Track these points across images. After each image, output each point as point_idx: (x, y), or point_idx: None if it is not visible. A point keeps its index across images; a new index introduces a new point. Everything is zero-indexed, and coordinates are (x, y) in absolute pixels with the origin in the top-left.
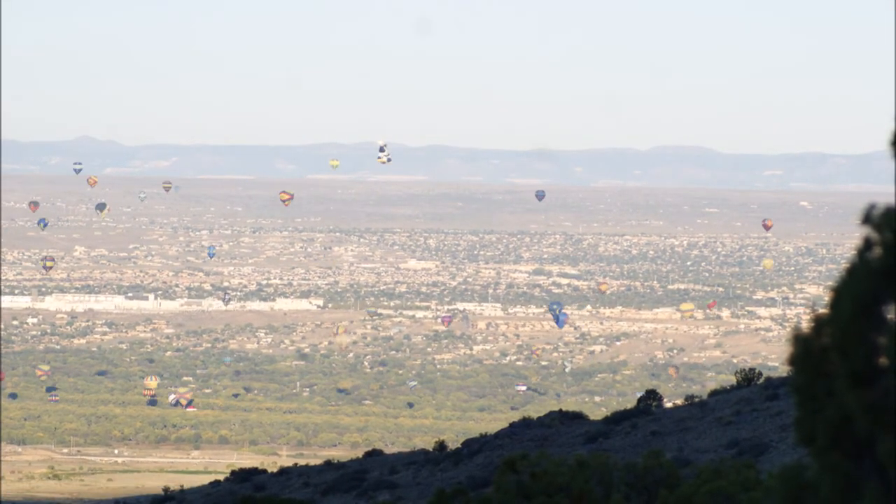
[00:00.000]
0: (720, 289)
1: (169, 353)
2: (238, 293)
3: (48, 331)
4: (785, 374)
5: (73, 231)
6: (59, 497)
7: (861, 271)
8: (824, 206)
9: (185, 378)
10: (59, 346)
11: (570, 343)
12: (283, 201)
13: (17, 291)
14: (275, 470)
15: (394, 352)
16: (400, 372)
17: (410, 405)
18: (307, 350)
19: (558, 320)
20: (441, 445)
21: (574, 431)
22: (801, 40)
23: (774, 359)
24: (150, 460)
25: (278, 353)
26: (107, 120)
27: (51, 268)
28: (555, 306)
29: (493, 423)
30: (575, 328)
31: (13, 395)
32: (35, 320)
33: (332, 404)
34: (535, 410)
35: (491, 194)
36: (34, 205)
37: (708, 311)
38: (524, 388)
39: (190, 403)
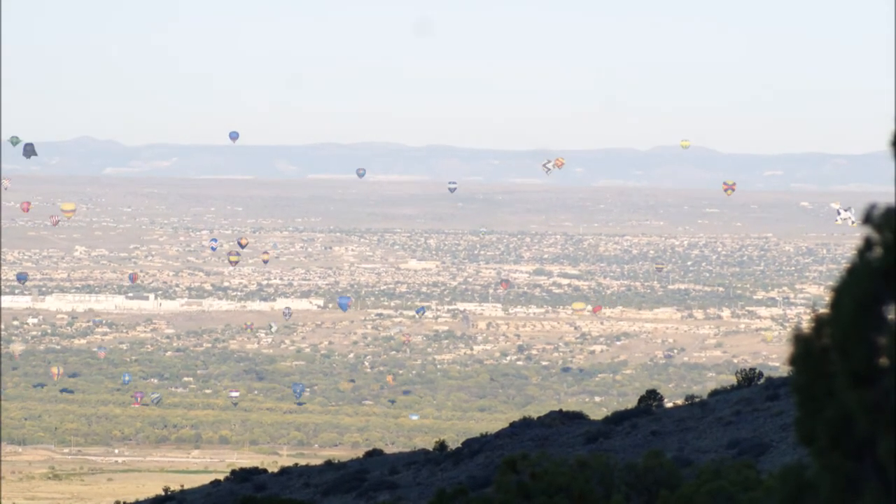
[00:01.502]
0: (720, 288)
1: (169, 354)
2: (238, 293)
3: (49, 331)
4: (785, 375)
5: (73, 231)
6: (59, 497)
7: (861, 271)
8: (825, 206)
9: (185, 378)
10: (59, 347)
11: (571, 343)
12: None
13: (17, 291)
14: (275, 470)
15: (394, 352)
16: (401, 372)
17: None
18: (308, 350)
19: (342, 305)
20: (441, 445)
21: (574, 431)
22: (801, 40)
23: (775, 359)
24: (150, 460)
25: (279, 354)
26: (107, 120)
27: (235, 262)
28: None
29: (494, 422)
30: (575, 328)
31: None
32: (35, 320)
33: (332, 404)
34: (536, 411)
35: (491, 194)
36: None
37: (594, 313)
38: (237, 394)
39: None
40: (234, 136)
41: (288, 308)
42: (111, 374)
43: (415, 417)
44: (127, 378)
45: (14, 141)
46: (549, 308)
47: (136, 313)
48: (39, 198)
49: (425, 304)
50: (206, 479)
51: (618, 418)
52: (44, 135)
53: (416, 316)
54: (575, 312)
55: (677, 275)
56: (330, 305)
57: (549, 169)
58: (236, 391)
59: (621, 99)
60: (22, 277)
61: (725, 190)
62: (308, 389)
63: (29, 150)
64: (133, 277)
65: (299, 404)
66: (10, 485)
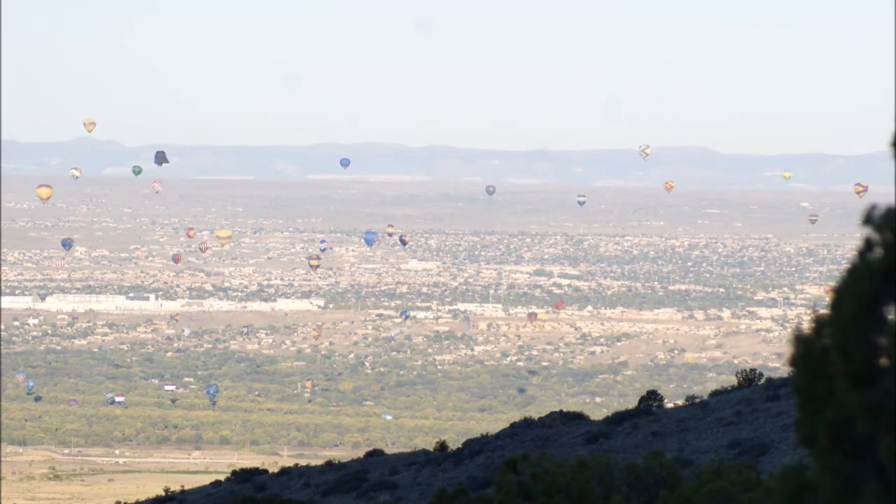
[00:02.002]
0: (721, 289)
1: (170, 354)
2: (239, 294)
3: (49, 332)
4: (786, 375)
5: (73, 231)
6: (59, 497)
7: (862, 272)
8: (825, 206)
9: (185, 379)
10: (59, 347)
11: (571, 343)
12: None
13: (17, 292)
14: (276, 470)
15: (395, 353)
16: (401, 373)
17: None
18: (308, 350)
19: (368, 241)
20: (442, 446)
21: (575, 432)
22: (801, 40)
23: (775, 359)
24: (150, 461)
25: (279, 354)
26: (107, 120)
27: (316, 266)
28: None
29: (494, 423)
30: (576, 329)
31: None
32: (36, 321)
33: (332, 405)
34: (536, 411)
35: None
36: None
37: (556, 308)
38: (172, 387)
39: None
40: (345, 162)
41: (246, 327)
42: (112, 375)
43: (388, 417)
44: (30, 384)
45: (136, 171)
46: (550, 308)
47: (137, 314)
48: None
49: (426, 304)
50: (206, 480)
51: (618, 419)
52: (44, 135)
53: (401, 319)
54: (538, 324)
55: (678, 275)
56: (331, 306)
57: (645, 154)
58: (172, 385)
59: (621, 99)
60: (67, 244)
61: (859, 192)
62: (308, 390)
63: (161, 158)
64: (177, 258)
65: (213, 402)
66: (10, 485)
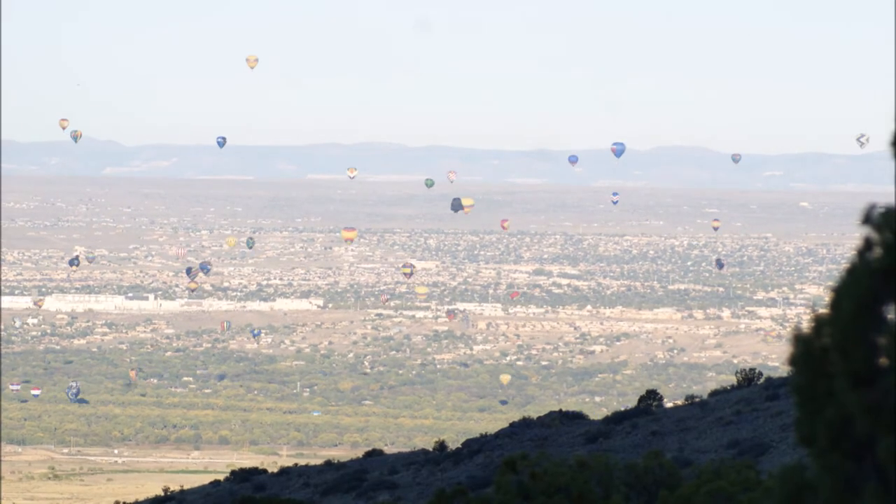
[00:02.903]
0: (720, 289)
1: (169, 354)
2: (238, 293)
3: (48, 331)
4: (785, 375)
5: (73, 231)
6: (58, 497)
7: (861, 271)
8: (824, 206)
9: (185, 378)
10: (59, 347)
11: (570, 343)
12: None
13: (17, 292)
14: (275, 470)
15: (394, 352)
16: (400, 372)
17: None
18: (308, 350)
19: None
20: (441, 445)
21: (574, 431)
22: (801, 40)
23: (775, 359)
24: (150, 460)
25: (278, 354)
26: (107, 120)
27: (408, 274)
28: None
29: (493, 422)
30: (575, 328)
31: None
32: (35, 321)
33: (332, 404)
34: (535, 411)
35: (491, 195)
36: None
37: (511, 299)
38: (37, 392)
39: None
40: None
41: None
42: (111, 375)
43: (316, 413)
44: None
45: (429, 183)
46: (549, 308)
47: (136, 313)
48: (39, 198)
49: (425, 303)
50: (205, 480)
51: (618, 418)
52: (44, 135)
53: (253, 338)
54: (421, 322)
55: (677, 275)
56: (330, 305)
57: (862, 143)
58: (37, 389)
59: (621, 99)
60: (205, 268)
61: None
62: (308, 389)
63: (456, 205)
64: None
65: (81, 402)
66: (9, 485)
